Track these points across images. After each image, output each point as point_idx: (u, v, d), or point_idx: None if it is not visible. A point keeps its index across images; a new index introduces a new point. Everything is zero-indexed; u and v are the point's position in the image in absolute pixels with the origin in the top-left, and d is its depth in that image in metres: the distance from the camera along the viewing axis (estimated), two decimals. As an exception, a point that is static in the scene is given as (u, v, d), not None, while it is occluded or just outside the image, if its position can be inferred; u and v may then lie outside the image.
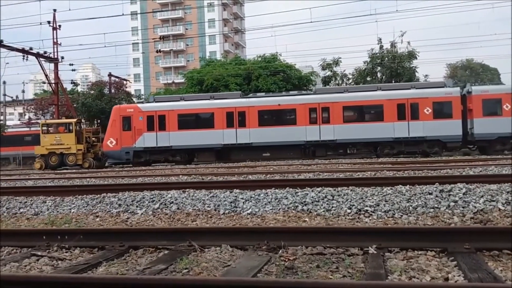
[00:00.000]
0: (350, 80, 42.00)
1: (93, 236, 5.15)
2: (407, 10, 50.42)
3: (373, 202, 6.95)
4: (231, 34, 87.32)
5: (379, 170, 13.01)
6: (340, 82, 41.64)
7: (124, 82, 50.15)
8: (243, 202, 7.57)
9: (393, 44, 40.79)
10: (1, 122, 45.48)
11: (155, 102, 28.96)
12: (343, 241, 4.48)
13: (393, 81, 38.05)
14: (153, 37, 70.64)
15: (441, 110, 25.44)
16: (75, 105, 39.23)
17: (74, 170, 24.85)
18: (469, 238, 4.21)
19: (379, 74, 41.48)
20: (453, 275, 3.56)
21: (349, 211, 6.75)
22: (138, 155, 27.43)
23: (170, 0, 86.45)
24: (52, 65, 32.60)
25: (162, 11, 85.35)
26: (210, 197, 8.01)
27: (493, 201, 6.64)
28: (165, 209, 7.68)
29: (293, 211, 7.04)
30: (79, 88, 50.83)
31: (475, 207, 6.47)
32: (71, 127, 28.31)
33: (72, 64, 35.40)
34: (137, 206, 7.97)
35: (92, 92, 45.67)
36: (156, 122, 27.35)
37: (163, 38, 59.56)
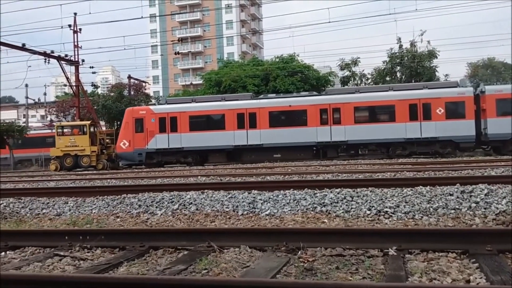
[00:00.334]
0: (369, 80, 41.73)
1: (114, 237, 5.23)
2: (427, 9, 49.88)
3: (393, 203, 6.89)
4: (249, 35, 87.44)
5: (399, 171, 12.88)
6: (359, 82, 41.39)
7: (143, 84, 50.70)
8: (262, 203, 7.57)
9: (412, 44, 40.39)
10: (24, 124, 46.39)
11: (167, 104, 29.18)
12: (363, 243, 4.44)
13: (412, 81, 37.65)
14: (172, 39, 71.30)
15: (454, 110, 25.02)
16: (95, 107, 39.78)
17: (94, 172, 25.19)
18: (491, 240, 4.13)
19: (398, 74, 41.11)
20: (475, 277, 3.51)
21: (368, 212, 6.70)
22: (151, 157, 27.65)
23: (188, 2, 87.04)
24: (73, 68, 33.08)
25: (180, 13, 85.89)
26: (229, 198, 8.04)
27: (516, 202, 6.51)
28: (184, 210, 7.73)
29: (312, 212, 7.01)
30: (99, 91, 51.51)
31: (497, 208, 6.37)
32: (85, 129, 28.62)
33: (92, 67, 35.89)
34: (156, 207, 8.04)
35: (112, 94, 46.34)
36: (168, 124, 27.54)
37: (181, 40, 59.98)
